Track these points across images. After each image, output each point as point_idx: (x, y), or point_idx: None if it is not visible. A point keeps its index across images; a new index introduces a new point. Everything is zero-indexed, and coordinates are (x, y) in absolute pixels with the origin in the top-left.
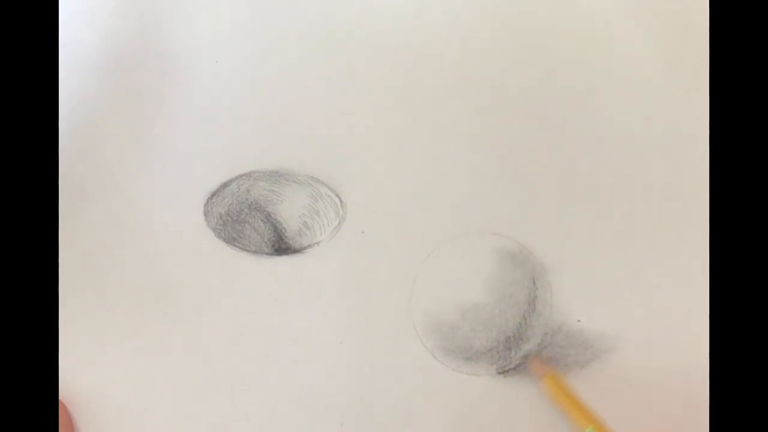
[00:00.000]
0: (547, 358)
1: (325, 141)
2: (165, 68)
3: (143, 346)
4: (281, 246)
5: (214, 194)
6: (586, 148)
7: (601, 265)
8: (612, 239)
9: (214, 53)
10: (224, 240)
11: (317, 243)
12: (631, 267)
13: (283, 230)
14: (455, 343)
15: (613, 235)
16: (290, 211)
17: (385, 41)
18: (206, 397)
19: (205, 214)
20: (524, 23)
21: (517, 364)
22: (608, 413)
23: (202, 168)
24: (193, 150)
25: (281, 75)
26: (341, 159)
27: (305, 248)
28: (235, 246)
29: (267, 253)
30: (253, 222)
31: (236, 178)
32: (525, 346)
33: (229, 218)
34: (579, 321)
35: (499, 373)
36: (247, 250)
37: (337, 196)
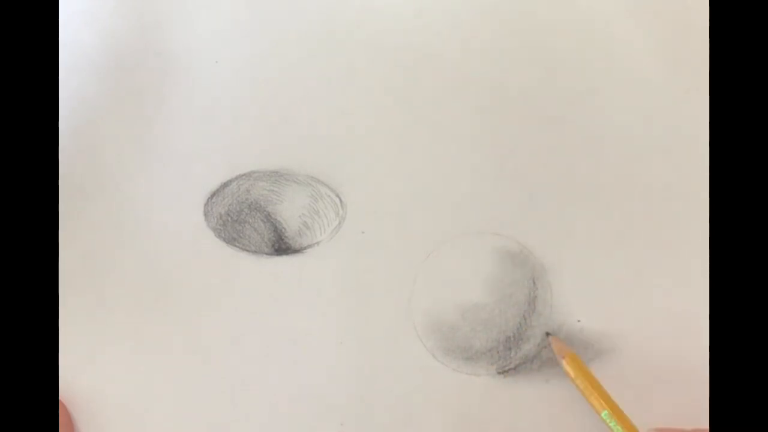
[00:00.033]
0: (567, 338)
1: (325, 141)
2: (165, 68)
3: (143, 346)
4: (281, 246)
5: (214, 194)
6: (586, 148)
7: (601, 265)
8: (612, 239)
9: (214, 53)
10: (224, 240)
11: (317, 243)
12: (631, 267)
13: (283, 230)
14: (455, 343)
15: (613, 235)
16: (290, 211)
17: (385, 41)
18: (206, 397)
19: (205, 214)
20: (524, 23)
21: (517, 364)
22: None
23: (202, 168)
24: (193, 150)
25: (281, 75)
26: (341, 159)
27: (305, 248)
28: (235, 246)
29: (267, 253)
30: (253, 222)
31: (236, 178)
32: (525, 346)
33: (229, 218)
34: (579, 321)
35: (499, 373)
36: (247, 250)
37: (337, 196)
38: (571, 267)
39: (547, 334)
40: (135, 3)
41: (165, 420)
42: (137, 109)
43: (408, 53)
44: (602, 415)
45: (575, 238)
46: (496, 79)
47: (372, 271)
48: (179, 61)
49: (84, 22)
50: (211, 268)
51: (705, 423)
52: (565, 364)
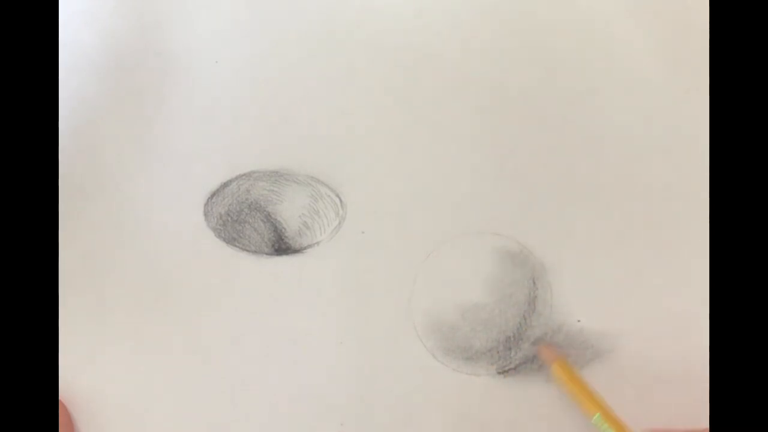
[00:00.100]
0: (556, 344)
1: (325, 141)
2: (165, 68)
3: (143, 346)
4: (281, 246)
5: (214, 194)
6: (586, 148)
7: (601, 265)
8: (612, 239)
9: (214, 53)
10: (224, 240)
11: (317, 243)
12: (631, 267)
13: (283, 230)
14: (455, 343)
15: (613, 235)
16: (290, 211)
17: (385, 41)
18: (206, 397)
19: (205, 214)
20: (524, 23)
21: (517, 364)
22: None
23: (202, 168)
24: (193, 150)
25: (281, 75)
26: (341, 159)
27: (305, 248)
28: (235, 246)
29: (267, 253)
30: (253, 222)
31: (236, 178)
32: (525, 346)
33: (229, 218)
34: (579, 321)
35: (499, 373)
36: (247, 250)
37: (337, 196)
38: (571, 267)
39: (533, 343)
40: (135, 3)
41: (165, 420)
42: (137, 109)
43: (408, 53)
44: (593, 419)
45: (575, 238)
46: (496, 79)
47: (372, 271)
48: (179, 61)
49: (84, 22)
50: (211, 268)
51: (705, 423)
52: (553, 371)
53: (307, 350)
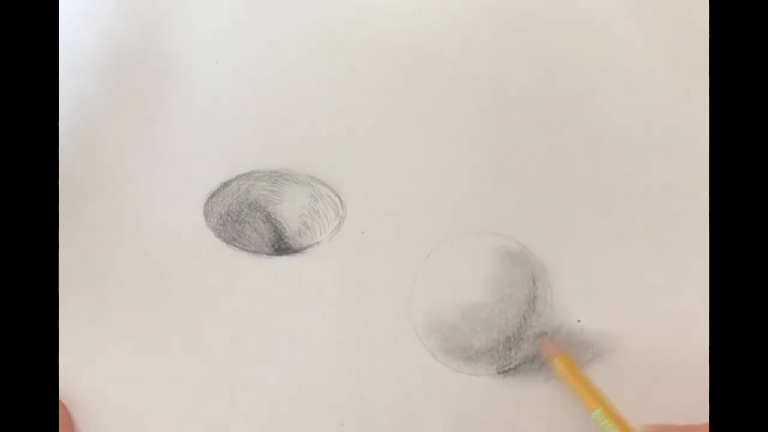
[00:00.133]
0: (557, 339)
1: (325, 141)
2: (165, 68)
3: (143, 346)
4: (281, 246)
5: (214, 194)
6: (586, 148)
7: (601, 265)
8: (612, 239)
9: (214, 53)
10: (224, 240)
11: (317, 243)
12: (631, 267)
13: (283, 230)
14: (455, 343)
15: (613, 235)
16: (290, 211)
17: (385, 41)
18: (206, 397)
19: (205, 214)
20: (524, 23)
21: (517, 364)
22: None
23: (202, 168)
24: (193, 150)
25: (281, 75)
26: (341, 159)
27: (305, 248)
28: (235, 246)
29: (267, 253)
30: (253, 222)
31: (236, 178)
32: (525, 346)
33: (229, 218)
34: (579, 321)
35: (499, 373)
36: (247, 250)
37: (337, 196)
38: (571, 267)
39: (536, 338)
40: (135, 3)
41: (165, 420)
42: (137, 109)
43: (408, 53)
44: (594, 414)
45: (575, 238)
46: (496, 79)
47: (372, 271)
48: (179, 61)
49: (84, 22)
50: (211, 268)
51: (705, 423)
52: (555, 365)
53: (307, 350)
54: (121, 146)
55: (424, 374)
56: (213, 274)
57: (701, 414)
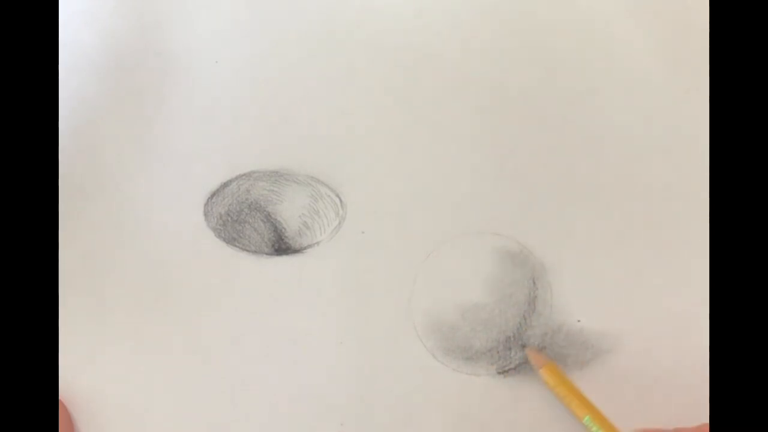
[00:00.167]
0: (556, 344)
1: (325, 141)
2: (165, 68)
3: (143, 346)
4: (281, 246)
5: (214, 194)
6: (586, 148)
7: (601, 265)
8: (612, 239)
9: (214, 53)
10: (224, 240)
11: (317, 243)
12: (631, 267)
13: (283, 230)
14: (455, 343)
15: (613, 235)
16: (290, 211)
17: (385, 41)
18: (206, 397)
19: (205, 214)
20: (524, 23)
21: (517, 364)
22: (608, 413)
23: (202, 168)
24: (193, 150)
25: (281, 75)
26: (341, 159)
27: (305, 248)
28: (235, 246)
29: (267, 253)
30: (253, 222)
31: (236, 178)
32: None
33: (229, 218)
34: (579, 321)
35: (499, 373)
36: (247, 250)
37: (337, 196)
38: (571, 267)
39: (523, 347)
40: (135, 3)
41: (165, 420)
42: (137, 109)
43: (408, 53)
44: (584, 420)
45: (575, 238)
46: (496, 79)
47: (372, 271)
48: (179, 61)
49: (84, 22)
50: (211, 268)
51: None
52: (542, 375)
53: (307, 350)
54: (121, 146)
55: (424, 374)
56: (213, 274)
57: (701, 414)
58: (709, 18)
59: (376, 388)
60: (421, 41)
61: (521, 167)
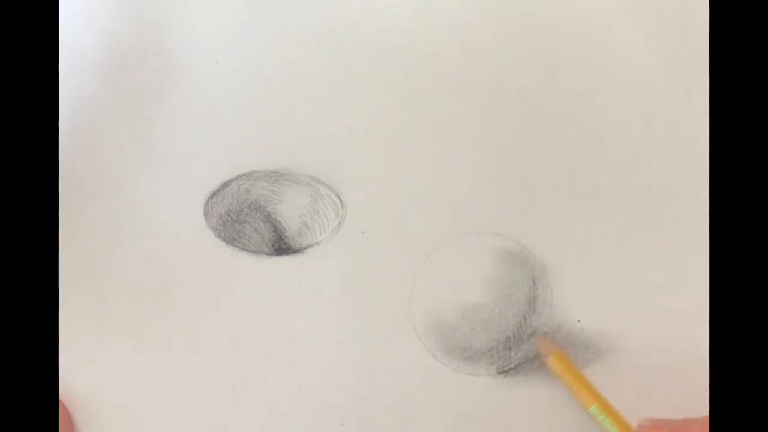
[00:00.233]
0: (553, 335)
1: (325, 141)
2: (165, 68)
3: (143, 346)
4: (281, 246)
5: (214, 194)
6: (586, 148)
7: (601, 265)
8: (612, 239)
9: (214, 53)
10: (224, 240)
11: (317, 243)
12: (631, 267)
13: (283, 230)
14: (455, 343)
15: (613, 235)
16: (290, 211)
17: (385, 41)
18: (206, 397)
19: (205, 214)
20: (524, 23)
21: (517, 364)
22: None
23: (202, 168)
24: (193, 150)
25: (281, 75)
26: (341, 159)
27: (305, 248)
28: (235, 246)
29: (267, 253)
30: (253, 222)
31: (236, 178)
32: (525, 346)
33: (229, 218)
34: (579, 321)
35: (499, 373)
36: (247, 250)
37: (337, 196)
38: (571, 267)
39: (532, 334)
40: (135, 3)
41: (165, 420)
42: (137, 109)
43: (408, 53)
44: (590, 409)
45: (575, 238)
46: (496, 79)
47: (372, 271)
48: (179, 61)
49: (84, 22)
50: (211, 268)
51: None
52: (550, 363)
53: (307, 350)
54: (121, 146)
55: (424, 374)
56: (213, 274)
57: (700, 414)
58: (709, 18)
59: (376, 388)
60: (421, 41)
61: (521, 167)
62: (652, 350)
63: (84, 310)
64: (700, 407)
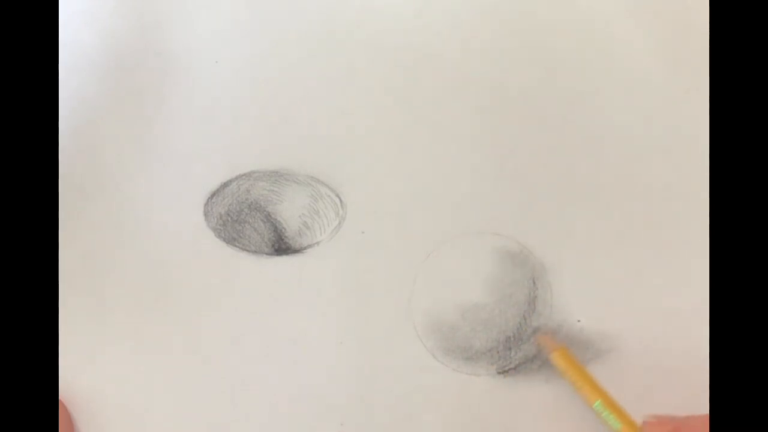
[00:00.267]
0: (555, 332)
1: (325, 141)
2: (165, 68)
3: (143, 346)
4: (281, 246)
5: (214, 194)
6: (586, 148)
7: (601, 265)
8: (612, 239)
9: (214, 53)
10: (224, 240)
11: (317, 243)
12: (631, 267)
13: (283, 230)
14: (455, 343)
15: (613, 235)
16: (290, 211)
17: (385, 41)
18: (206, 397)
19: (205, 214)
20: (524, 23)
21: (517, 364)
22: None
23: (202, 168)
24: (193, 150)
25: (281, 75)
26: (341, 159)
27: (305, 248)
28: (235, 246)
29: (267, 253)
30: (253, 222)
31: (236, 178)
32: (525, 346)
33: (229, 218)
34: (579, 321)
35: (499, 373)
36: (247, 250)
37: (337, 196)
38: (571, 267)
39: (532, 334)
40: (135, 3)
41: (165, 420)
42: (137, 109)
43: (408, 53)
44: (594, 405)
45: (575, 238)
46: (496, 79)
47: (372, 271)
48: (179, 61)
49: (84, 22)
50: (211, 268)
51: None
52: (554, 360)
53: (307, 350)
54: (121, 146)
55: (424, 374)
56: (213, 274)
57: (701, 414)
58: (709, 18)
59: (376, 388)
60: (421, 41)
61: (521, 167)
62: (652, 350)
63: (84, 310)
64: (700, 407)
